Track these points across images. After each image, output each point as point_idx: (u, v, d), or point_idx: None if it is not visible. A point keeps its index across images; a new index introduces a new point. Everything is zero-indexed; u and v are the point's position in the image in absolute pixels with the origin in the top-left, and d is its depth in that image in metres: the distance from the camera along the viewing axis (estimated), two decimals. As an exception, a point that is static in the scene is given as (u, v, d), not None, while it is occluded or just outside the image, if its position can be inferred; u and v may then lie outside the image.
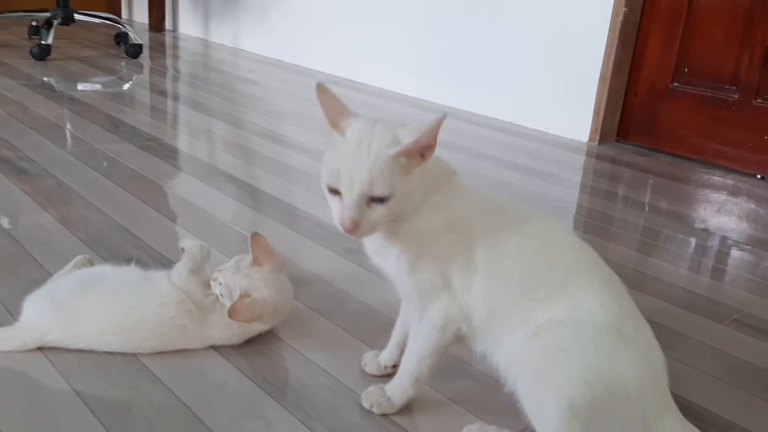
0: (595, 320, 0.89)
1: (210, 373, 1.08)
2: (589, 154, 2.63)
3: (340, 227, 0.87)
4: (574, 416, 0.85)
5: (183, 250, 1.21)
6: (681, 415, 0.93)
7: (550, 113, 2.86)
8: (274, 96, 3.23)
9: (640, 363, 0.89)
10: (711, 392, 1.15)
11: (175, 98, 3.05)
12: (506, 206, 1.00)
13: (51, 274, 1.31)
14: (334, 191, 0.88)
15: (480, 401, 1.06)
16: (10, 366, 1.05)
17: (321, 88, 0.90)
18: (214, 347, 1.14)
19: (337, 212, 0.88)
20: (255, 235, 1.15)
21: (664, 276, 1.60)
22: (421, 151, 0.88)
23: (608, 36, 2.62)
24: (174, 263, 1.22)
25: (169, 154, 2.18)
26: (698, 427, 0.93)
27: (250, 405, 1.01)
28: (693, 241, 1.84)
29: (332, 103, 0.92)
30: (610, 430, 0.88)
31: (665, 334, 1.32)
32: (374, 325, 1.25)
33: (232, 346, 1.15)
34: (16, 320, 1.11)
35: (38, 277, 1.31)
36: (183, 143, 2.33)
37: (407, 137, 0.87)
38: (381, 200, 0.86)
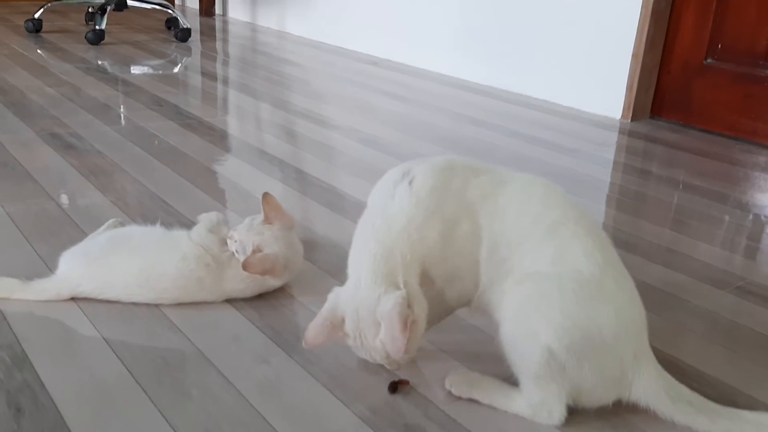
0: (578, 270, 0.95)
1: (224, 324, 1.18)
2: (621, 131, 2.64)
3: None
4: (553, 359, 0.92)
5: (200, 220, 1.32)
6: (658, 365, 0.99)
7: (582, 91, 2.87)
8: (314, 77, 3.33)
9: (617, 313, 0.95)
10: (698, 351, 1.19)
11: (218, 79, 3.18)
12: (491, 173, 1.06)
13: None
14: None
15: (469, 351, 1.13)
16: (47, 314, 1.18)
17: (308, 344, 1.00)
18: (229, 301, 1.24)
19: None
20: (266, 195, 1.24)
21: (697, 254, 1.58)
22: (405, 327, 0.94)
23: (641, 13, 2.61)
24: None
25: (206, 131, 2.29)
26: (682, 382, 0.98)
27: (258, 352, 1.11)
28: (727, 218, 1.83)
29: (320, 335, 1.00)
30: (587, 374, 0.94)
31: (698, 314, 1.36)
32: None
33: (246, 301, 1.24)
34: (53, 274, 1.23)
35: (77, 238, 1.44)
36: (221, 122, 2.45)
37: (389, 344, 0.95)
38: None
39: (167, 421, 0.94)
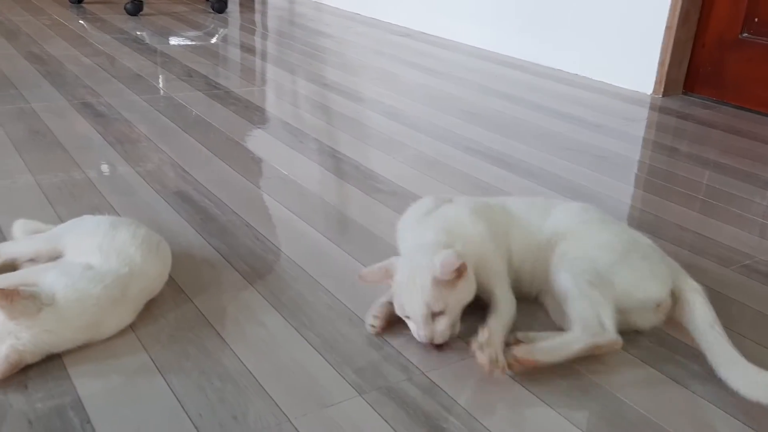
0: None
1: (226, 287, 1.23)
2: (652, 107, 2.60)
3: (420, 340, 1.07)
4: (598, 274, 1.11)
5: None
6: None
7: (613, 65, 2.83)
8: (346, 49, 3.34)
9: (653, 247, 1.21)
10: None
11: (250, 51, 3.22)
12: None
13: (110, 203, 1.51)
14: (408, 317, 1.09)
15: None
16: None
17: (362, 279, 1.14)
18: (235, 266, 1.29)
19: (414, 331, 1.08)
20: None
21: (723, 238, 1.55)
22: (456, 275, 1.06)
23: (675, -16, 2.55)
24: (215, 195, 1.37)
25: (232, 101, 2.34)
26: (670, 355, 1.00)
27: (255, 314, 1.15)
28: (758, 201, 1.79)
29: (374, 274, 1.13)
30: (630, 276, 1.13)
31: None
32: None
33: (251, 267, 1.29)
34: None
35: (97, 203, 1.51)
36: (248, 92, 2.49)
37: (438, 267, 1.05)
38: (441, 312, 1.06)
39: (163, 377, 0.99)
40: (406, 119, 2.27)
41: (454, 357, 1.07)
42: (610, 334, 1.05)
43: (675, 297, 1.16)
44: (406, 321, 1.10)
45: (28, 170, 1.66)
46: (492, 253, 1.18)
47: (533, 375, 1.03)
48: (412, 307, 1.07)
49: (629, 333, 1.12)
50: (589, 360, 1.05)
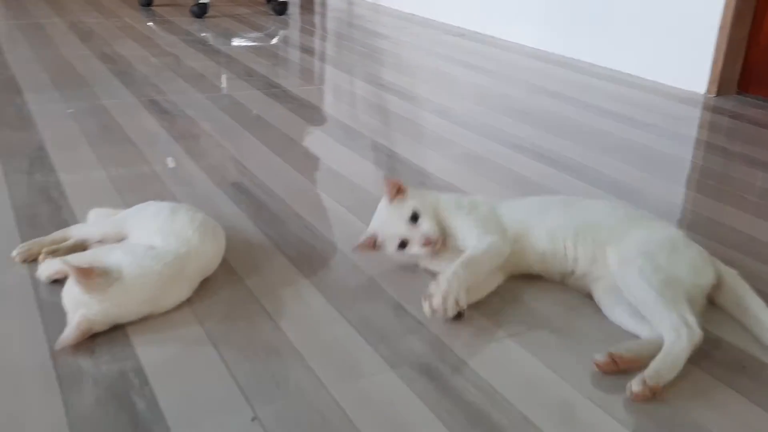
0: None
1: (275, 270, 1.33)
2: (705, 107, 2.59)
3: (427, 249, 1.26)
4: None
5: None
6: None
7: (666, 64, 2.82)
8: (400, 49, 3.42)
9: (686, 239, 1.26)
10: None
11: (307, 51, 3.34)
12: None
13: (173, 193, 1.63)
14: (403, 244, 1.28)
15: (491, 308, 1.22)
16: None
17: (357, 251, 1.34)
18: (282, 251, 1.39)
19: (414, 248, 1.28)
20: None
21: None
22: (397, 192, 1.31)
23: (729, -17, 2.54)
24: (268, 187, 1.47)
25: (289, 100, 2.45)
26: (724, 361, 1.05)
27: (301, 294, 1.24)
28: None
29: (363, 246, 1.32)
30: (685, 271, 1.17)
31: None
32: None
33: (299, 253, 1.38)
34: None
35: (162, 193, 1.63)
36: (305, 91, 2.60)
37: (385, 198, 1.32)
38: (415, 216, 1.28)
39: (215, 347, 1.09)
40: (456, 117, 2.34)
41: (485, 337, 1.14)
42: (699, 332, 1.06)
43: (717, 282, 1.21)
44: (409, 252, 1.28)
45: (99, 163, 1.80)
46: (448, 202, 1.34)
47: (562, 361, 1.08)
48: (395, 228, 1.28)
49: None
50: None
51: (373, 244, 1.31)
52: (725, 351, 1.14)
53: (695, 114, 2.51)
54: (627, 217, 1.30)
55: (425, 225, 1.27)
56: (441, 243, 1.27)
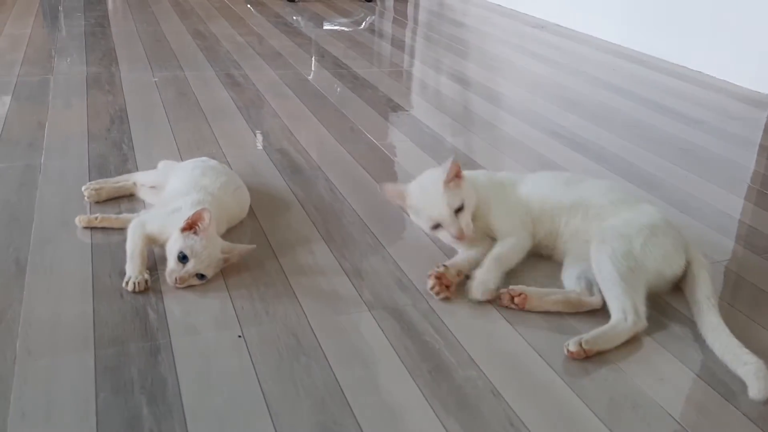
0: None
1: (293, 222, 1.50)
2: (771, 108, 2.55)
3: (456, 240, 1.33)
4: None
5: None
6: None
7: (736, 63, 2.79)
8: (475, 38, 3.52)
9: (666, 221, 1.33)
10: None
11: (382, 36, 3.50)
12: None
13: (225, 154, 1.84)
14: (436, 226, 1.35)
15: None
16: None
17: (382, 189, 1.44)
18: (306, 209, 1.56)
19: (447, 235, 1.34)
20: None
21: None
22: (455, 176, 1.35)
23: (803, -18, 2.48)
24: (308, 154, 1.65)
25: (351, 80, 2.63)
26: (661, 321, 1.15)
27: (309, 244, 1.41)
28: None
29: (391, 191, 1.43)
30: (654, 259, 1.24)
31: None
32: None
33: (318, 210, 1.56)
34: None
35: (216, 153, 1.84)
36: (368, 72, 2.76)
37: (442, 175, 1.34)
38: (461, 209, 1.33)
39: (222, 276, 1.28)
40: (503, 102, 2.44)
41: (460, 295, 1.27)
42: (643, 322, 1.17)
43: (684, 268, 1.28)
44: (437, 233, 1.36)
45: (167, 124, 2.04)
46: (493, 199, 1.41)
47: (524, 319, 1.20)
48: (439, 211, 1.32)
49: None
50: (588, 320, 1.21)
51: (402, 199, 1.41)
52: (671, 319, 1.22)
53: (755, 114, 2.48)
54: (620, 199, 1.38)
55: (465, 220, 1.32)
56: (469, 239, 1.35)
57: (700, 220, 1.62)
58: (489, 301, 1.25)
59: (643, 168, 1.91)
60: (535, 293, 1.22)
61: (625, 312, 1.17)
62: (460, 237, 1.32)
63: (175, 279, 1.23)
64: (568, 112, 2.37)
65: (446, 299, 1.25)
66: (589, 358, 1.11)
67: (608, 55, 3.21)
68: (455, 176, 1.35)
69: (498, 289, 1.26)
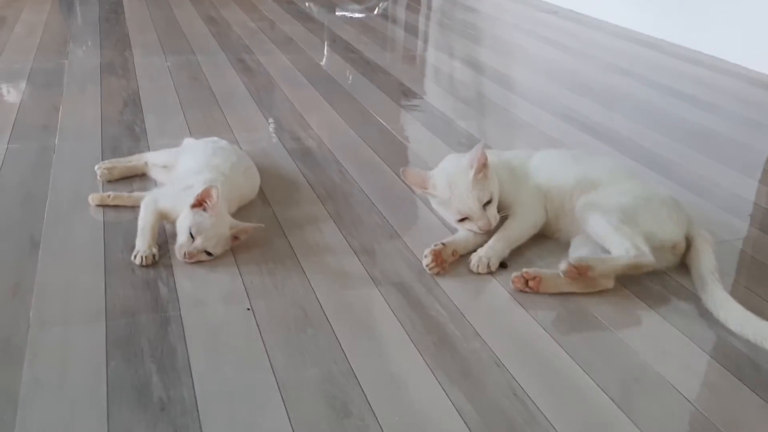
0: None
1: (302, 203, 1.52)
2: (786, 92, 2.53)
3: (483, 230, 1.31)
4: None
5: None
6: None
7: (752, 48, 2.76)
8: (487, 24, 3.51)
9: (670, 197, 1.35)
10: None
11: (395, 21, 3.50)
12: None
13: (235, 137, 1.85)
14: (463, 219, 1.33)
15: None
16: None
17: (403, 174, 1.39)
18: (316, 190, 1.57)
19: (475, 225, 1.32)
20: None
21: None
22: (483, 166, 1.32)
23: (819, -36, 2.46)
24: (318, 136, 1.66)
25: (362, 64, 2.63)
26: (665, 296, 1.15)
27: (317, 223, 1.43)
28: None
29: (414, 176, 1.38)
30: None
31: None
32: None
33: (327, 191, 1.57)
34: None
35: (226, 136, 1.86)
36: (379, 57, 2.76)
37: (470, 165, 1.31)
38: (489, 201, 1.32)
39: (233, 257, 1.29)
40: (515, 87, 2.44)
41: (463, 271, 1.28)
42: (649, 256, 1.20)
43: (688, 243, 1.29)
44: (462, 225, 1.34)
45: (180, 107, 2.06)
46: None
47: (529, 296, 1.21)
48: (468, 204, 1.31)
49: (639, 275, 1.25)
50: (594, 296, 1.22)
51: (425, 186, 1.37)
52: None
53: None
54: (624, 174, 1.39)
55: (492, 212, 1.32)
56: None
57: (712, 201, 1.62)
58: (494, 277, 1.26)
59: (656, 151, 1.91)
60: (550, 275, 1.22)
61: (627, 249, 1.21)
62: (488, 230, 1.32)
63: (184, 254, 1.24)
64: (580, 96, 2.36)
65: (438, 274, 1.26)
66: (582, 274, 1.18)
67: (621, 40, 3.19)
68: (483, 167, 1.32)
69: (500, 263, 1.29)
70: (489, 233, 1.33)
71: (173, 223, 1.32)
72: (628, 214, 1.25)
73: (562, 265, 1.18)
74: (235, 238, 1.30)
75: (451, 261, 1.30)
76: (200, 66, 2.48)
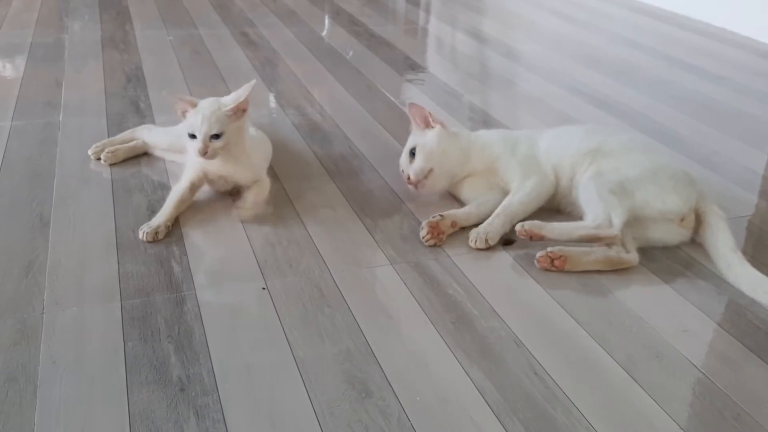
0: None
1: (313, 179, 1.50)
2: (795, 64, 2.50)
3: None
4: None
5: None
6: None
7: (761, 20, 2.72)
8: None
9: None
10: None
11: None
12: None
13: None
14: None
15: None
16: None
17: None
18: (326, 166, 1.56)
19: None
20: None
21: None
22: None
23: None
24: (325, 110, 1.63)
25: (367, 37, 2.59)
26: (684, 273, 1.14)
27: (329, 200, 1.41)
28: None
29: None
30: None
31: None
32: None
33: (337, 167, 1.55)
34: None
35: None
36: (383, 30, 2.72)
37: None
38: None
39: (245, 231, 1.28)
40: (524, 60, 2.40)
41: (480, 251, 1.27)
42: (613, 229, 1.19)
43: (699, 219, 1.27)
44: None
45: (184, 82, 2.03)
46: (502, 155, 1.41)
47: (545, 273, 1.20)
48: (403, 155, 1.41)
49: (653, 250, 1.25)
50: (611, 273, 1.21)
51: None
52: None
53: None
54: (639, 148, 1.37)
55: (417, 164, 1.38)
56: (423, 185, 1.38)
57: (724, 175, 1.60)
58: (511, 255, 1.25)
59: (666, 125, 1.89)
60: (575, 253, 1.21)
61: (594, 219, 1.22)
62: (408, 181, 1.38)
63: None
64: (589, 69, 2.33)
65: (434, 245, 1.26)
66: (532, 238, 1.23)
67: (630, 12, 3.15)
68: (424, 122, 1.45)
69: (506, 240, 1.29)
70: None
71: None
72: (625, 185, 1.24)
73: (517, 227, 1.23)
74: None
75: (451, 233, 1.29)
76: (202, 40, 2.45)
